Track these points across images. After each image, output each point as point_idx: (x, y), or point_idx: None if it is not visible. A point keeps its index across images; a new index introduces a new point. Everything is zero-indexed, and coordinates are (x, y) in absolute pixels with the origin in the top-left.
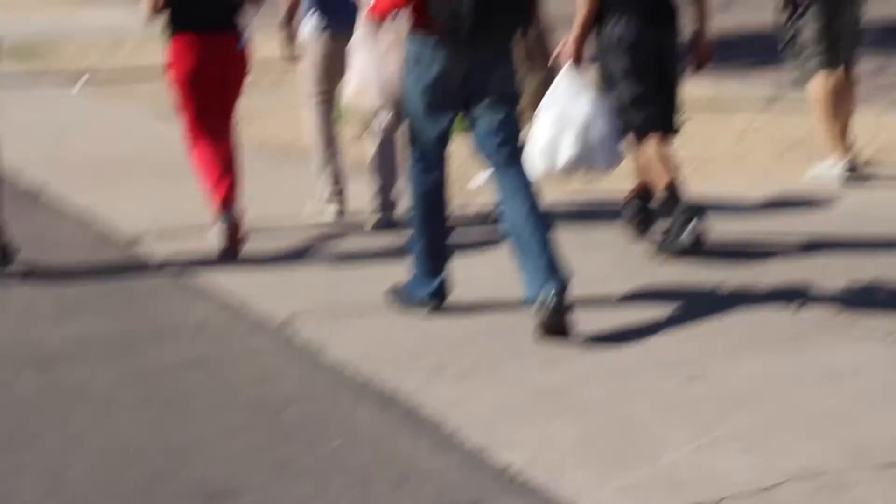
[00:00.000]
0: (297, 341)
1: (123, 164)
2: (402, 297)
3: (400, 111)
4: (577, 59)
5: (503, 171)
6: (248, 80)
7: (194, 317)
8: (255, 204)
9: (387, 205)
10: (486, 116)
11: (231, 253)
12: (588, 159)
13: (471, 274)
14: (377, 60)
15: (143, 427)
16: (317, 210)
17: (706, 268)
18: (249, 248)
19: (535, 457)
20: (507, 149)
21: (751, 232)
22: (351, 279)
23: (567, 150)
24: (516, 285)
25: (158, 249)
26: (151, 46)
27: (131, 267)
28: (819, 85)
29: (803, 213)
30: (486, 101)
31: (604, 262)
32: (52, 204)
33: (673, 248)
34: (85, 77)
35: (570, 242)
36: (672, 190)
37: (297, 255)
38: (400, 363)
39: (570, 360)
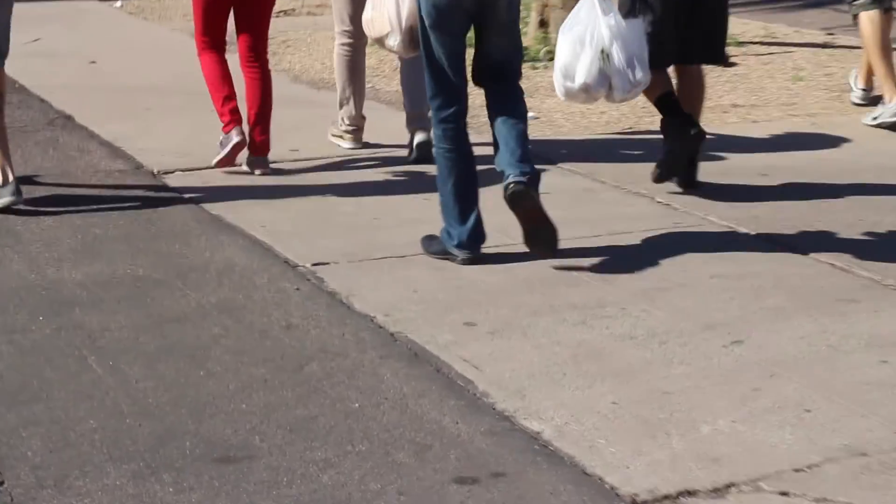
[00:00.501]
0: (326, 287)
1: (158, 91)
2: (435, 246)
3: (415, 36)
4: None
5: (496, 85)
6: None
7: (220, 258)
8: (288, 137)
9: (423, 128)
10: (491, 37)
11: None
12: (605, 83)
13: (507, 219)
14: None
15: (158, 380)
16: (338, 137)
17: (750, 224)
18: (282, 183)
19: (566, 426)
20: (504, 69)
21: (797, 186)
22: (386, 224)
23: (584, 71)
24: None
25: (187, 184)
26: None
27: (157, 202)
28: (865, 22)
29: (853, 166)
30: (494, 21)
31: (644, 212)
32: (82, 132)
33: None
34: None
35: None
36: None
37: (331, 193)
38: (430, 317)
39: (608, 318)
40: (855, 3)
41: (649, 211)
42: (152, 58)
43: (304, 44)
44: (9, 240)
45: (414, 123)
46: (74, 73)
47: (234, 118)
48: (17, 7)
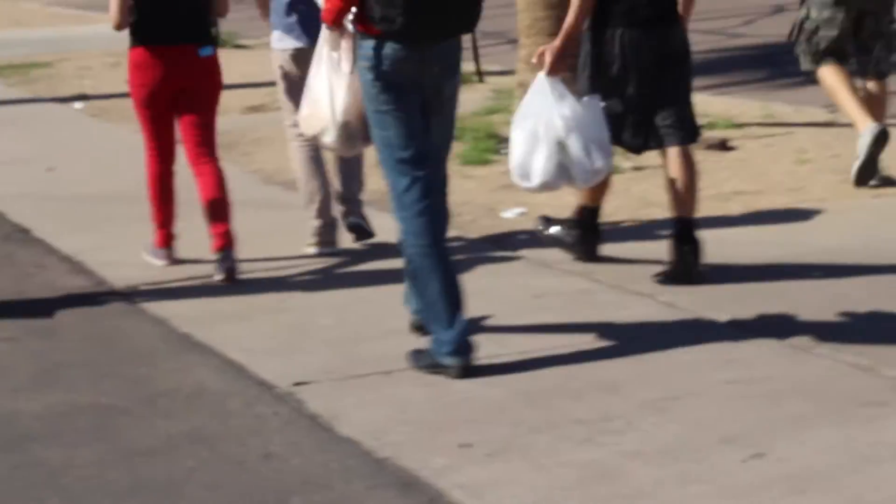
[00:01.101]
0: (307, 411)
1: (119, 200)
2: (424, 359)
3: (358, 140)
4: (556, 69)
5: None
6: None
7: (190, 381)
8: (260, 243)
9: (356, 209)
10: (437, 126)
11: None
12: (565, 174)
13: (499, 321)
14: (330, 74)
15: None
16: (310, 245)
17: (762, 323)
18: (254, 295)
19: None
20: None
21: (809, 279)
22: (369, 335)
23: (540, 170)
24: (551, 338)
25: (152, 299)
26: None
27: (121, 321)
28: (825, 74)
29: (868, 255)
30: (439, 107)
31: (647, 314)
32: (40, 246)
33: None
34: (82, 101)
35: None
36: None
37: (308, 303)
38: (421, 439)
39: (615, 433)
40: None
41: (652, 313)
42: (114, 163)
43: (275, 141)
44: None
45: (346, 205)
46: (31, 181)
47: (167, 242)
48: None
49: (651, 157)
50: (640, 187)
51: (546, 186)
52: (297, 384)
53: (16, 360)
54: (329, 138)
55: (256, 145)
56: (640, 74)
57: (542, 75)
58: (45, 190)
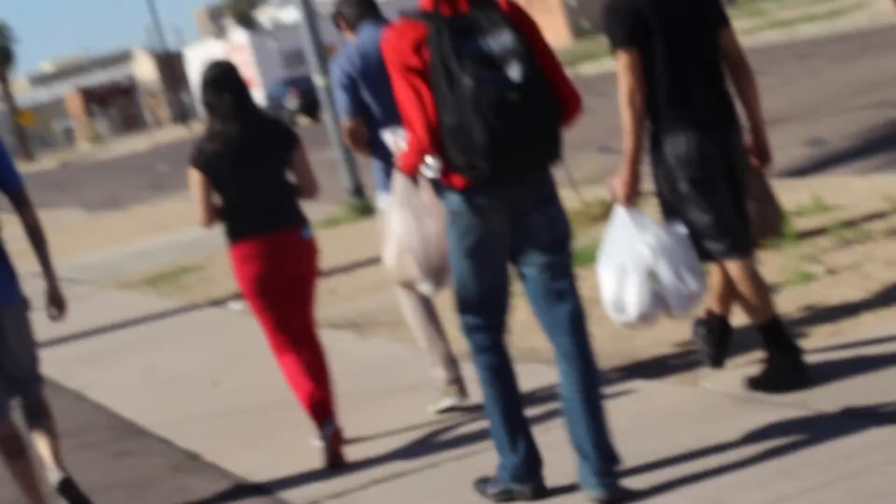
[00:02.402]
0: None
1: (290, 405)
2: (492, 487)
3: (446, 277)
4: (631, 196)
5: (556, 330)
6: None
7: None
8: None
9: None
10: (535, 267)
11: (334, 462)
12: (661, 303)
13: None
14: (415, 221)
15: None
16: (437, 402)
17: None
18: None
19: None
20: (562, 307)
21: None
22: None
23: (636, 301)
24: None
25: None
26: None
27: None
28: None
29: None
30: (534, 249)
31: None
32: (213, 471)
33: (775, 387)
34: (238, 301)
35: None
36: (773, 324)
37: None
38: None
39: None
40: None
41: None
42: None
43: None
44: None
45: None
46: (197, 399)
47: (323, 414)
48: (125, 332)
49: (843, 257)
50: (838, 292)
51: (644, 318)
52: None
53: None
54: (422, 286)
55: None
56: (704, 183)
57: (619, 210)
58: (211, 407)
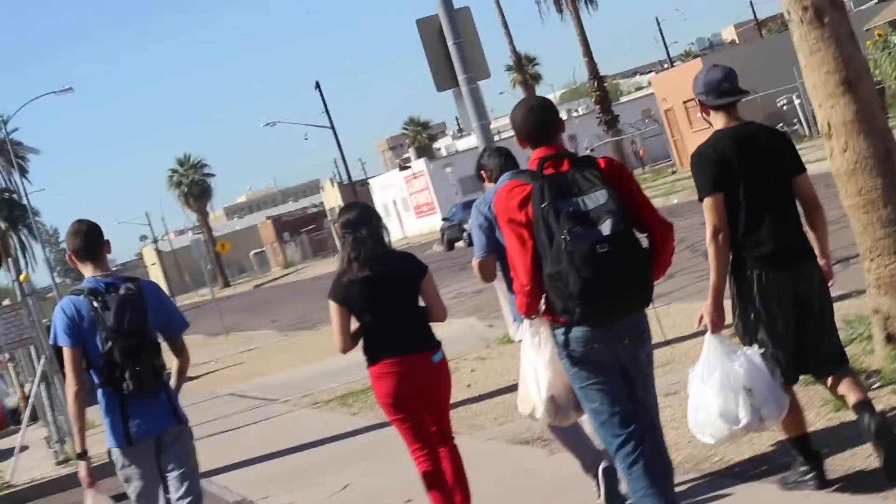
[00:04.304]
0: None
1: None
2: None
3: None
4: (717, 323)
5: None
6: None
7: None
8: None
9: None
10: (640, 387)
11: None
12: (757, 415)
13: None
14: (534, 354)
15: None
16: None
17: None
18: None
19: None
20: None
21: None
22: None
23: (745, 411)
24: None
25: None
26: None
27: None
28: None
29: None
30: (637, 370)
31: None
32: None
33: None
34: None
35: None
36: (800, 445)
37: None
38: None
39: None
40: None
41: None
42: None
43: None
44: None
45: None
46: None
47: None
48: (319, 450)
49: None
50: None
51: (749, 428)
52: None
53: None
54: (539, 414)
55: None
56: (783, 313)
57: (709, 336)
58: None
